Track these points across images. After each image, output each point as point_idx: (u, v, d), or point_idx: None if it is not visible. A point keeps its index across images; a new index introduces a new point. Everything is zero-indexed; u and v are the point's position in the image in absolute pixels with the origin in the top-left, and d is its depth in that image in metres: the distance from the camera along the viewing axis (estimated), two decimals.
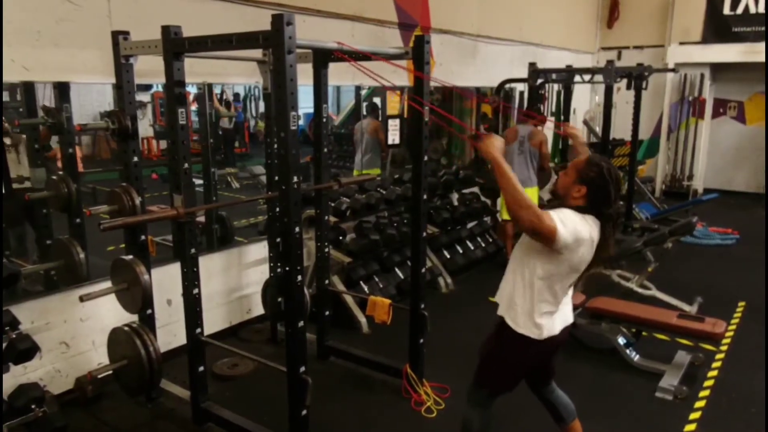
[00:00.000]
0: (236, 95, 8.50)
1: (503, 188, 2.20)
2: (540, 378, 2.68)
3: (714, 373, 3.89)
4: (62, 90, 3.44)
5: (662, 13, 9.71)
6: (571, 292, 2.48)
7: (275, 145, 3.76)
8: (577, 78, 6.81)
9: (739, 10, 9.01)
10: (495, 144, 2.26)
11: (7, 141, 3.61)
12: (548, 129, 6.72)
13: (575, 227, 2.21)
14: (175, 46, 2.73)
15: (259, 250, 4.56)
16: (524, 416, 3.16)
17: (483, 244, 6.22)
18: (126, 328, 3.03)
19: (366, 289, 4.76)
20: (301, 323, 2.66)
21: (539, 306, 2.34)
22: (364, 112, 6.44)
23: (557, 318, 2.41)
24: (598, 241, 2.30)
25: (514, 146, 5.58)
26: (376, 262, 5.03)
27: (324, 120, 3.70)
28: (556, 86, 8.14)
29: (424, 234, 3.47)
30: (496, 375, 2.52)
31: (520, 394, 2.64)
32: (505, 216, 5.95)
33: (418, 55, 3.13)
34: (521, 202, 2.15)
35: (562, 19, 8.98)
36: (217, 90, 6.74)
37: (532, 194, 5.55)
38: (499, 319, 2.46)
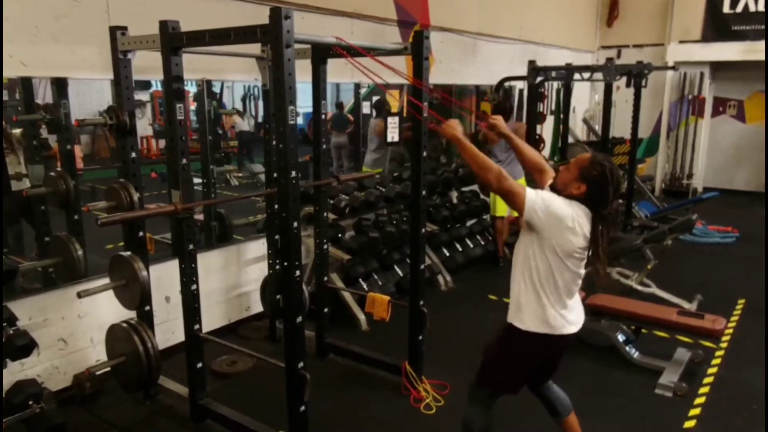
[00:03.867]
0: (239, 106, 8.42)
1: (466, 157, 2.38)
2: (542, 376, 2.67)
3: (714, 369, 3.88)
4: (60, 86, 3.43)
5: (662, 12, 9.71)
6: (577, 292, 2.47)
7: (273, 142, 3.79)
8: (577, 76, 6.78)
9: (739, 9, 9.01)
10: (453, 125, 2.51)
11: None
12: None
13: (552, 200, 2.26)
14: (173, 40, 2.73)
15: (258, 247, 4.56)
16: (526, 417, 3.15)
17: (482, 242, 6.21)
18: (124, 325, 3.02)
19: (365, 286, 4.75)
20: (299, 319, 2.65)
21: (548, 304, 2.34)
22: (365, 111, 6.44)
23: (570, 316, 2.40)
24: (590, 234, 2.30)
25: (502, 142, 5.58)
26: (375, 260, 5.02)
27: (324, 117, 3.70)
28: (555, 84, 8.13)
29: (423, 231, 3.46)
30: (500, 376, 2.52)
31: (523, 395, 2.63)
32: (496, 213, 5.96)
33: (417, 51, 3.11)
34: (484, 166, 2.31)
35: (562, 17, 8.98)
36: (216, 89, 6.72)
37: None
38: (506, 322, 2.46)
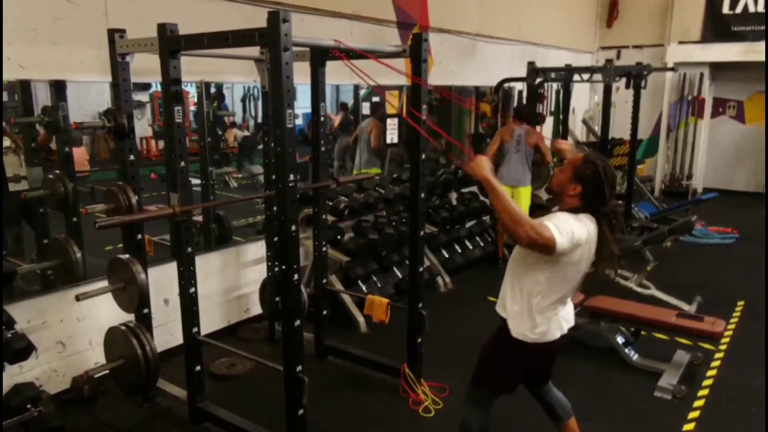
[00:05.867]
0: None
1: (497, 208, 2.20)
2: (538, 379, 2.67)
3: (713, 372, 3.88)
4: (59, 88, 3.42)
5: (661, 13, 9.71)
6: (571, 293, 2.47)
7: (272, 144, 3.79)
8: (576, 77, 6.79)
9: (739, 9, 9.01)
10: (483, 165, 2.25)
11: (7, 142, 3.59)
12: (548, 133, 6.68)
13: (572, 232, 2.20)
14: (171, 43, 2.72)
15: (257, 249, 4.55)
16: (524, 418, 3.14)
17: (482, 244, 6.21)
18: (123, 328, 3.02)
19: (364, 288, 4.74)
20: (297, 322, 2.65)
21: (540, 312, 2.34)
22: (365, 112, 6.42)
23: (558, 321, 2.40)
24: (597, 238, 2.29)
25: (511, 144, 5.62)
26: (374, 262, 5.02)
27: (322, 119, 3.70)
28: (555, 85, 8.12)
29: (422, 233, 3.46)
30: (495, 377, 2.51)
31: (520, 396, 2.63)
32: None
33: (416, 53, 3.11)
34: (517, 219, 2.14)
35: (561, 18, 8.97)
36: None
37: (525, 193, 5.60)
38: (500, 322, 2.45)
